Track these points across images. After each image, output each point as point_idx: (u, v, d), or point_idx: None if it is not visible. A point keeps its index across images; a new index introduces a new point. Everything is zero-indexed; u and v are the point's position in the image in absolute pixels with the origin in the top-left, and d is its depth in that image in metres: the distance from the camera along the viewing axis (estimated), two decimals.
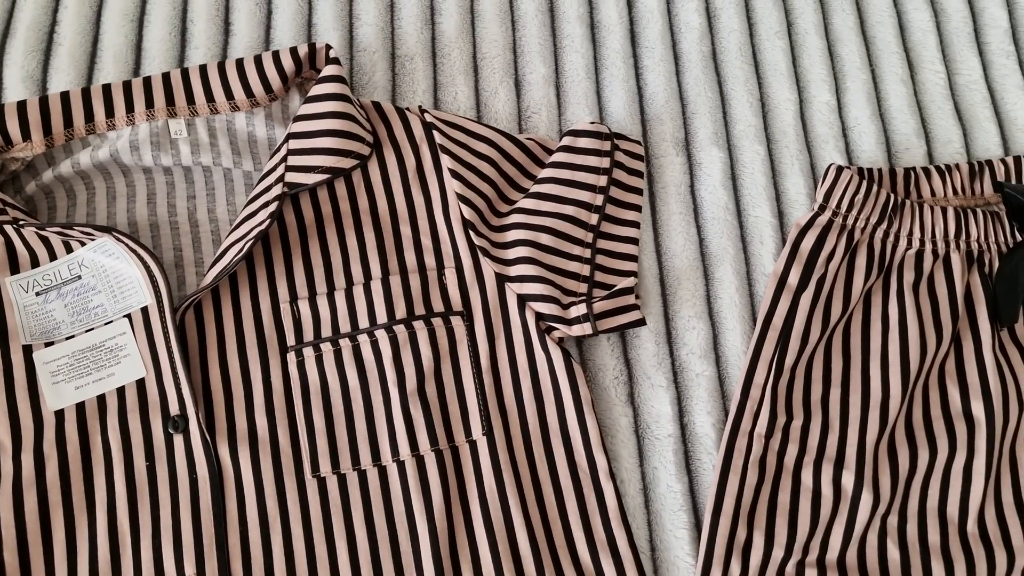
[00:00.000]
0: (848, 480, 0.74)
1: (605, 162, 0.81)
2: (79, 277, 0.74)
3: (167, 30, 0.87)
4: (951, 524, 0.74)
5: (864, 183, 0.81)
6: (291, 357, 0.74)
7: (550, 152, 0.84)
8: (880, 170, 0.84)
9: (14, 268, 0.75)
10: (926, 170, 0.85)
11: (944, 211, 0.82)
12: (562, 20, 0.91)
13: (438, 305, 0.76)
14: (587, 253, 0.78)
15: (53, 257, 0.75)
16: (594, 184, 0.80)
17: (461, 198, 0.77)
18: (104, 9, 0.88)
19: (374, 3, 0.89)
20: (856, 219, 0.81)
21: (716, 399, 0.78)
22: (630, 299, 0.76)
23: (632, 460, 0.76)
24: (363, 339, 0.74)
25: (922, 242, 0.81)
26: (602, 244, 0.80)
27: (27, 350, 0.73)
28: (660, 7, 0.92)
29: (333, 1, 0.89)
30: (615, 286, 0.78)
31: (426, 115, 0.80)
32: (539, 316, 0.75)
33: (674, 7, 0.93)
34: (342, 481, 0.71)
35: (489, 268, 0.77)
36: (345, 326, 0.74)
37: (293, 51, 0.78)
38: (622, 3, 0.92)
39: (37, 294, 0.74)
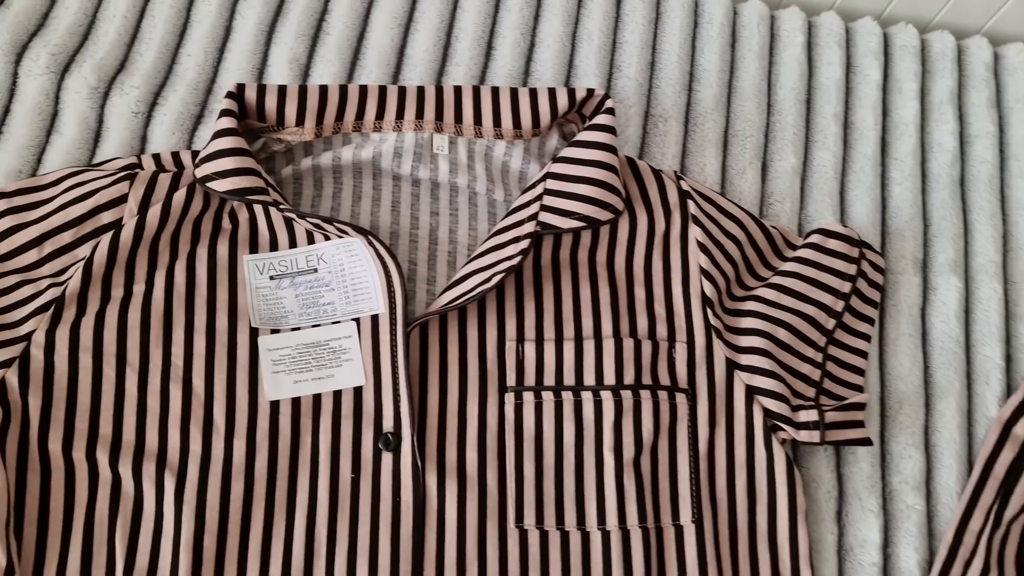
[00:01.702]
0: None
1: (852, 269, 0.79)
2: (315, 270, 0.73)
3: (432, 41, 0.87)
4: None
5: None
6: (510, 398, 0.72)
7: (791, 245, 0.82)
8: None
9: (253, 247, 0.74)
10: None
11: None
12: (817, 114, 0.90)
13: (665, 378, 0.73)
14: (819, 357, 0.76)
15: (293, 244, 0.74)
16: (837, 289, 0.78)
17: (705, 273, 0.76)
18: (374, 7, 0.88)
19: (637, 58, 0.88)
20: None
21: (924, 536, 0.75)
22: (860, 415, 0.73)
23: None
24: (587, 396, 0.72)
25: None
26: (833, 351, 0.77)
27: (253, 333, 0.71)
28: (915, 122, 0.91)
29: (598, 46, 0.88)
30: (841, 396, 0.76)
31: (682, 182, 0.79)
32: (767, 412, 0.73)
33: (928, 125, 0.92)
34: (544, 537, 0.69)
35: (720, 350, 0.74)
36: (570, 379, 0.72)
37: (570, 91, 0.77)
38: (878, 110, 0.91)
39: (271, 278, 0.73)
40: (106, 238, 0.70)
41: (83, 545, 0.65)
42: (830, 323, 0.77)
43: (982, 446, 0.78)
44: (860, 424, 0.74)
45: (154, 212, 0.71)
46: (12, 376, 0.66)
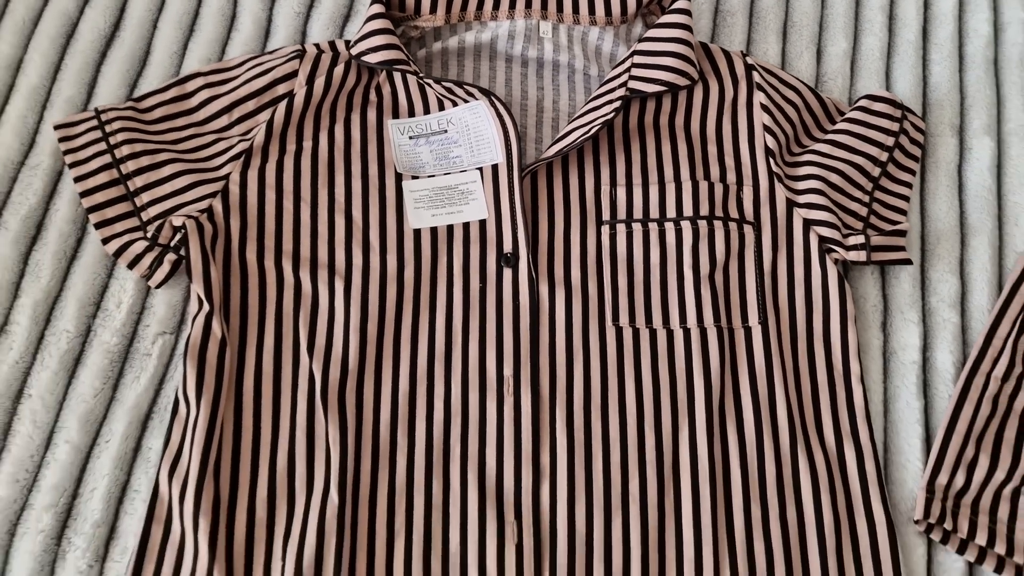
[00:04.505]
0: None
1: (895, 127, 0.93)
2: (445, 131, 0.90)
3: None
4: None
5: None
6: (605, 230, 0.88)
7: (842, 112, 0.96)
8: None
9: (395, 114, 0.91)
10: None
11: None
12: (865, 6, 1.04)
13: (734, 213, 0.89)
14: (866, 198, 0.90)
15: (427, 111, 0.91)
16: (883, 143, 0.92)
17: (767, 129, 0.91)
18: None
19: None
20: None
21: (959, 343, 0.88)
22: (902, 241, 0.88)
23: (877, 375, 0.87)
24: (669, 226, 0.87)
25: None
26: (878, 195, 0.91)
27: (398, 178, 0.89)
28: (953, 12, 1.04)
29: None
30: (885, 229, 0.90)
31: (748, 58, 0.94)
32: (821, 239, 0.87)
33: (965, 15, 1.05)
34: (635, 334, 0.84)
35: (781, 193, 0.89)
36: (655, 213, 0.88)
37: None
38: (920, 2, 1.05)
39: (410, 138, 0.90)
40: (282, 105, 0.88)
41: (275, 330, 0.83)
42: (876, 171, 0.91)
43: (1010, 273, 0.91)
44: (902, 248, 0.88)
45: (319, 84, 0.89)
46: (217, 204, 0.85)
